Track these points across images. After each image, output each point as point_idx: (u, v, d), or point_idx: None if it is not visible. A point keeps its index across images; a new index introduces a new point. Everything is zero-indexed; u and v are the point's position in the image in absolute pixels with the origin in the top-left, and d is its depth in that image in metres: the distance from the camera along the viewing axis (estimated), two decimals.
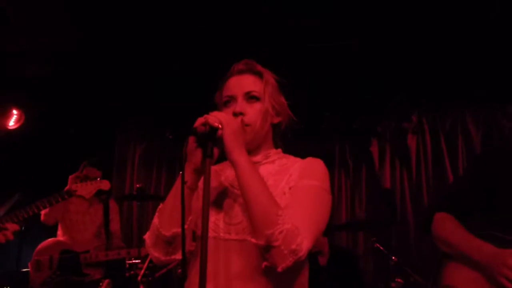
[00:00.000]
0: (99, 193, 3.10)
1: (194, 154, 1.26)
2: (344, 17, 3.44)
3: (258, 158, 1.43)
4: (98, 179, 3.07)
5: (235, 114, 1.36)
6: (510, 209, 1.64)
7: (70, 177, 3.01)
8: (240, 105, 1.39)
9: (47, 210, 3.61)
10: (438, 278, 1.71)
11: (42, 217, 3.67)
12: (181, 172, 1.24)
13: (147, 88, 4.52)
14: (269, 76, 1.46)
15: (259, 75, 1.44)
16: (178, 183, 1.30)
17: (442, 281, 1.68)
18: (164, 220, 1.30)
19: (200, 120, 1.24)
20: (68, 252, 3.57)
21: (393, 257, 3.42)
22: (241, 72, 1.44)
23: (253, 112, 1.39)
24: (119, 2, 3.28)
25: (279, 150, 1.50)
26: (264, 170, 1.39)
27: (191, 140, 1.24)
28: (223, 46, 3.70)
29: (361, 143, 4.85)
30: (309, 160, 1.43)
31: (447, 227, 1.72)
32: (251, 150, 1.40)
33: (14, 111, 4.58)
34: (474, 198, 1.74)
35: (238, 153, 1.23)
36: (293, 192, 1.31)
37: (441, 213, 1.76)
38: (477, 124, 4.51)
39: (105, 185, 3.06)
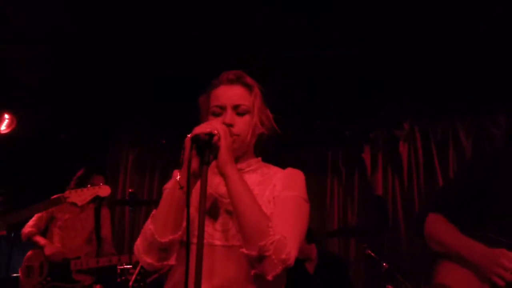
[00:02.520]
0: (95, 198, 3.01)
1: (192, 160, 1.27)
2: (338, 26, 3.47)
3: (241, 166, 1.47)
4: (101, 184, 2.98)
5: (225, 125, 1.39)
6: (502, 211, 1.68)
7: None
8: (230, 116, 1.41)
9: (31, 222, 3.60)
10: (431, 277, 1.74)
11: (23, 231, 3.61)
12: (179, 178, 1.26)
13: (140, 95, 4.51)
14: (257, 89, 1.49)
15: (249, 88, 1.47)
16: (173, 188, 1.31)
17: (435, 280, 1.71)
18: (159, 227, 1.30)
19: (200, 128, 1.25)
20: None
21: (384, 264, 3.44)
22: (231, 82, 1.46)
23: (242, 123, 1.42)
24: (115, 8, 3.27)
25: (259, 158, 1.54)
26: (248, 179, 1.42)
27: (193, 146, 1.26)
28: (219, 50, 3.70)
29: (354, 150, 4.89)
30: (290, 171, 1.49)
31: (440, 227, 1.75)
32: (235, 159, 1.43)
33: (6, 116, 4.55)
34: (466, 200, 1.78)
35: (231, 167, 1.28)
36: (276, 202, 1.38)
37: (434, 214, 1.80)
38: (468, 132, 4.57)
39: (104, 191, 2.93)
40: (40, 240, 3.58)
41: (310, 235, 3.32)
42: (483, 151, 4.37)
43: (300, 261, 3.30)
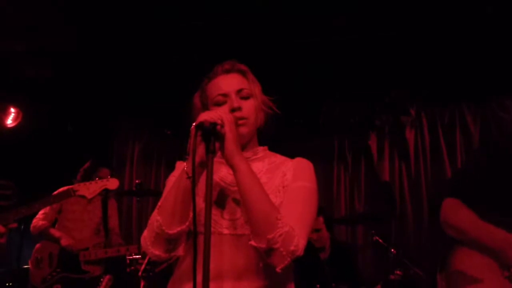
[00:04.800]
0: (104, 191, 3.01)
1: (198, 149, 1.26)
2: (343, 13, 3.43)
3: (248, 154, 1.47)
4: (109, 177, 2.99)
5: (233, 110, 1.39)
6: None
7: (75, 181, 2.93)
8: (236, 100, 1.42)
9: (41, 216, 3.63)
10: (447, 264, 1.70)
11: (34, 225, 3.64)
12: (186, 167, 1.25)
13: (146, 85, 4.51)
14: (251, 73, 1.51)
15: (244, 74, 1.49)
16: (179, 178, 1.30)
17: (452, 267, 1.68)
18: (167, 218, 1.29)
19: (204, 115, 1.25)
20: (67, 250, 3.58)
21: (392, 250, 3.44)
22: (228, 71, 1.47)
23: (248, 107, 1.43)
24: (117, 2, 3.26)
25: (265, 147, 1.54)
26: (255, 167, 1.42)
27: (198, 134, 1.25)
28: (223, 44, 3.69)
29: (360, 137, 4.86)
30: (299, 160, 1.48)
31: (457, 213, 1.71)
32: (243, 146, 1.43)
33: (12, 109, 4.57)
34: (482, 184, 1.73)
35: (239, 158, 1.27)
36: (287, 192, 1.37)
37: (450, 199, 1.75)
38: (475, 117, 4.52)
39: (113, 184, 2.93)
40: (55, 232, 3.63)
41: (329, 222, 3.33)
42: (491, 136, 4.32)
43: (314, 249, 3.32)
